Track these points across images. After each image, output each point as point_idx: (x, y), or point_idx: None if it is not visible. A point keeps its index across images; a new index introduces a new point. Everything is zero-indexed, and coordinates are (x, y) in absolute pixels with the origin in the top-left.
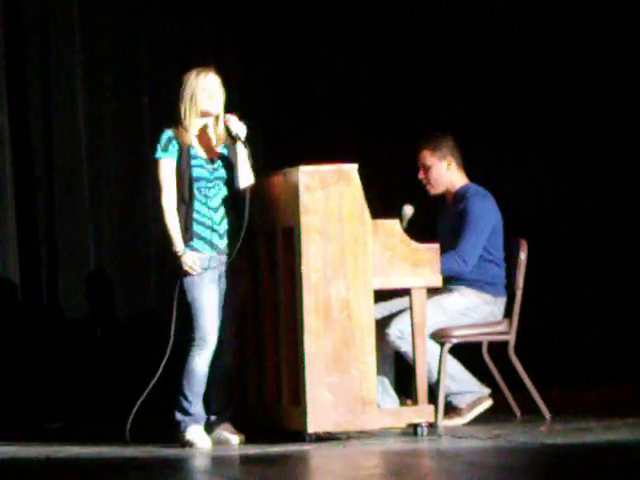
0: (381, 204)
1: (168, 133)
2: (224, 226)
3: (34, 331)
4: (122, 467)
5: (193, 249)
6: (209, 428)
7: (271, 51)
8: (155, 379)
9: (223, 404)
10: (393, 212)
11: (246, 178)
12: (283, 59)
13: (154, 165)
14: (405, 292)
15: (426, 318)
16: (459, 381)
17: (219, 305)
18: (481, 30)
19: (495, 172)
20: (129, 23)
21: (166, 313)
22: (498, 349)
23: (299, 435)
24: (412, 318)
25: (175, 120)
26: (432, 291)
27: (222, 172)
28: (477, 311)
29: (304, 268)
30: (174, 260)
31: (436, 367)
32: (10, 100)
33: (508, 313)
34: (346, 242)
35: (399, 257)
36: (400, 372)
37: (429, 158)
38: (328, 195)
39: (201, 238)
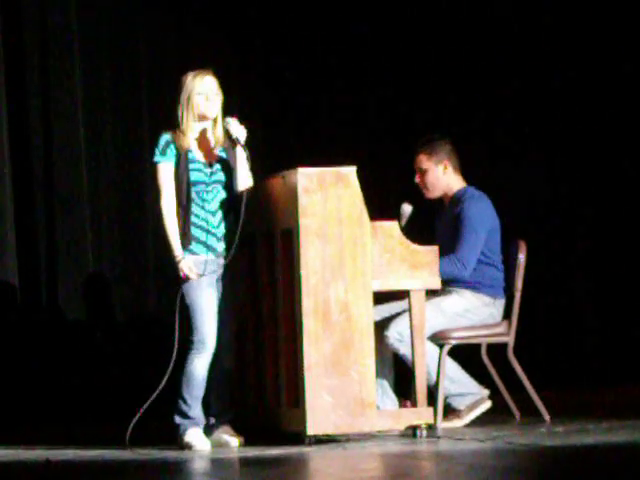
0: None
1: (166, 137)
2: (222, 229)
3: (34, 333)
4: (122, 470)
5: (192, 253)
6: (208, 431)
7: (271, 52)
8: (159, 389)
9: (222, 407)
10: (391, 214)
11: (245, 181)
12: (283, 60)
13: (153, 169)
14: (404, 294)
15: (425, 320)
16: (458, 383)
17: (218, 308)
18: (480, 31)
19: (493, 174)
20: (128, 24)
21: (166, 316)
22: (497, 351)
23: (298, 437)
24: (411, 320)
25: (173, 123)
26: (431, 293)
27: (220, 175)
28: (476, 313)
29: (303, 270)
30: (173, 265)
31: (435, 369)
32: (9, 102)
33: (507, 315)
34: (345, 244)
35: (398, 259)
36: (399, 374)
37: (425, 162)
38: (327, 197)
39: (199, 241)
